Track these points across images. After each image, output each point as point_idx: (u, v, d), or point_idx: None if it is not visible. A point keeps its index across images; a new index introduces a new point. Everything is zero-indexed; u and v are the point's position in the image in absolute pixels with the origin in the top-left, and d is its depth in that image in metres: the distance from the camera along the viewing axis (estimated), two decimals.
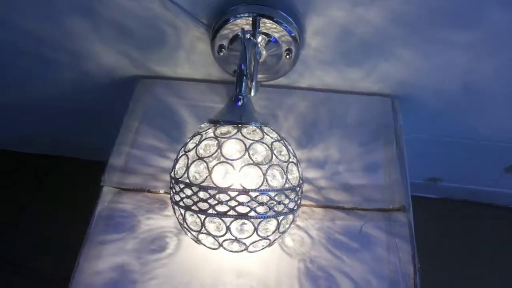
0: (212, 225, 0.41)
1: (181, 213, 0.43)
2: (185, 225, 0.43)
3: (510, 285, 0.82)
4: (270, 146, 0.42)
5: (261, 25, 0.55)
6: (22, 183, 0.97)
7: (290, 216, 0.44)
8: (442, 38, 0.57)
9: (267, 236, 0.42)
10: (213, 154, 0.41)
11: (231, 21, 0.55)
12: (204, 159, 0.41)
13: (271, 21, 0.55)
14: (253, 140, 0.42)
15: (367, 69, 0.63)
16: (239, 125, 0.43)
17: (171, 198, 0.44)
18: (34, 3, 0.60)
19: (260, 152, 0.42)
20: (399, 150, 0.58)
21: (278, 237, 0.45)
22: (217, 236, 0.41)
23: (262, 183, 0.40)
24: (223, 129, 0.43)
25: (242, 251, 0.42)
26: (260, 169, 0.40)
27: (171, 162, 0.57)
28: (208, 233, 0.41)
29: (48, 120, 0.87)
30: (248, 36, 0.50)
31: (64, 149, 1.00)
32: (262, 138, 0.42)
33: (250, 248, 0.43)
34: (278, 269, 0.49)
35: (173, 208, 0.45)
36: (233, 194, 0.39)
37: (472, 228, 0.87)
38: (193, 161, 0.41)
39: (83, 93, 0.74)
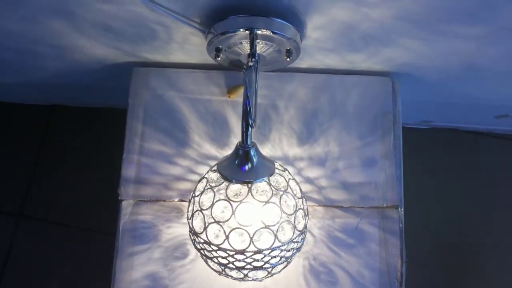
0: (232, 272, 0.47)
1: (202, 257, 0.49)
2: (207, 264, 0.49)
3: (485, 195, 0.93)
4: (279, 204, 0.46)
5: (259, 34, 0.52)
6: None
7: (282, 265, 0.49)
8: (449, 31, 0.54)
9: (278, 271, 0.49)
10: (228, 219, 0.45)
11: (227, 34, 0.51)
12: (220, 223, 0.45)
13: (269, 32, 0.51)
14: (263, 202, 0.45)
15: (369, 53, 0.60)
16: (249, 185, 0.46)
17: (193, 242, 0.50)
18: (9, 6, 0.54)
19: (270, 211, 0.46)
20: (396, 142, 0.61)
21: (269, 276, 0.51)
22: (237, 278, 0.48)
23: (274, 242, 0.45)
24: (234, 188, 0.46)
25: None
26: (271, 230, 0.45)
27: (180, 168, 0.60)
28: (228, 275, 0.48)
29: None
30: (253, 67, 0.48)
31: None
32: (270, 198, 0.46)
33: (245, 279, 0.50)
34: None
35: (194, 247, 0.51)
36: (249, 254, 0.45)
37: (459, 153, 0.95)
38: (210, 223, 0.45)
39: (77, 74, 0.71)
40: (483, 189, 0.93)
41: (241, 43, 0.53)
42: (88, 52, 0.63)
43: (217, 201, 0.46)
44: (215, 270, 0.50)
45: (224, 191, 0.46)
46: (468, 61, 0.60)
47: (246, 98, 0.47)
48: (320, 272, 0.57)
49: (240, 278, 0.48)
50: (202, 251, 0.48)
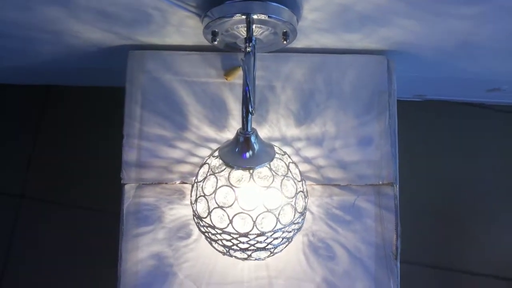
0: (236, 253, 0.50)
1: (207, 239, 0.51)
2: (211, 245, 0.51)
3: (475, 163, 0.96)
4: (280, 188, 0.47)
5: (255, 19, 0.52)
6: None
7: (283, 245, 0.51)
8: (445, 11, 0.54)
9: (280, 251, 0.51)
10: (231, 204, 0.46)
11: (224, 19, 0.51)
12: (224, 208, 0.47)
13: (266, 16, 0.51)
14: (264, 186, 0.46)
15: (365, 33, 0.61)
16: (251, 171, 0.47)
17: (197, 225, 0.52)
18: None
19: (272, 195, 0.47)
20: (391, 121, 0.62)
21: (272, 255, 0.53)
22: (240, 258, 0.50)
23: (276, 224, 0.47)
24: (236, 174, 0.47)
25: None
26: (273, 214, 0.47)
27: (180, 151, 0.62)
28: (232, 256, 0.50)
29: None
30: (250, 55, 0.49)
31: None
32: (272, 182, 0.47)
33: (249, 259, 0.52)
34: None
35: (198, 229, 0.53)
36: (252, 236, 0.47)
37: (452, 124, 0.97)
38: (214, 208, 0.47)
39: (73, 58, 0.71)
40: (473, 158, 0.95)
41: (237, 27, 0.53)
42: (83, 37, 0.63)
43: (220, 187, 0.47)
44: (219, 251, 0.52)
45: (227, 177, 0.47)
46: (463, 39, 0.61)
47: (246, 85, 0.48)
48: (319, 248, 0.60)
49: (243, 258, 0.50)
50: (206, 233, 0.50)
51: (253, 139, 0.48)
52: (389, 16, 0.56)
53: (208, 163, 0.50)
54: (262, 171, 0.48)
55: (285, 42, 0.56)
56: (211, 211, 0.47)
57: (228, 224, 0.47)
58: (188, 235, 0.60)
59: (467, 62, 0.68)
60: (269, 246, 0.48)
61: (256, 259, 0.51)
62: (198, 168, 0.52)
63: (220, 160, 0.49)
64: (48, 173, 0.96)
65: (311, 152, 0.62)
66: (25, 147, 0.96)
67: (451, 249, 0.92)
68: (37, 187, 0.95)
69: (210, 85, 0.63)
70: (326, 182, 0.61)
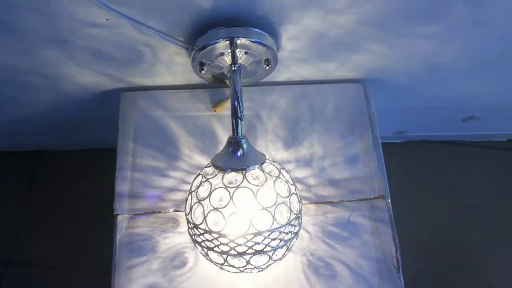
0: (234, 260, 0.48)
1: (203, 251, 0.49)
2: (208, 259, 0.50)
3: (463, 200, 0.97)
4: (274, 187, 0.48)
5: (238, 43, 0.57)
6: None
7: (283, 249, 0.51)
8: (409, 32, 0.60)
9: (279, 258, 0.50)
10: (226, 205, 0.46)
11: (209, 47, 0.56)
12: (219, 210, 0.47)
13: (248, 40, 0.56)
14: (258, 185, 0.47)
15: (340, 61, 0.66)
16: (243, 172, 0.48)
17: (191, 237, 0.51)
18: (3, 39, 0.58)
19: (266, 195, 0.48)
20: (374, 139, 0.65)
21: (287, 253, 0.52)
22: (239, 267, 0.49)
23: (272, 223, 0.47)
24: (230, 176, 0.48)
25: (258, 271, 0.51)
26: (269, 212, 0.47)
27: (173, 180, 0.62)
28: (230, 265, 0.49)
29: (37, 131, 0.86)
30: (237, 71, 0.53)
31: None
32: (265, 181, 0.48)
33: (245, 271, 0.51)
34: (286, 265, 0.58)
35: (195, 244, 0.52)
36: (249, 237, 0.46)
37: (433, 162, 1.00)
38: (209, 211, 0.47)
39: (65, 107, 0.74)
40: (461, 194, 0.97)
41: (222, 54, 0.58)
42: (78, 81, 0.67)
43: (214, 189, 0.48)
44: (216, 264, 0.50)
45: (220, 180, 0.48)
46: (430, 61, 0.67)
47: (234, 98, 0.51)
48: (319, 267, 0.58)
49: (242, 267, 0.49)
50: (203, 243, 0.49)
51: (243, 142, 0.50)
52: (359, 41, 0.62)
53: (201, 173, 0.51)
54: (254, 172, 0.49)
55: (267, 67, 0.61)
56: (207, 215, 0.47)
57: (224, 226, 0.46)
58: (184, 263, 0.58)
59: (437, 86, 0.73)
60: (267, 249, 0.47)
61: (254, 267, 0.49)
62: (192, 181, 0.53)
63: (213, 167, 0.50)
64: (38, 238, 0.93)
65: (301, 173, 0.63)
66: (14, 214, 0.95)
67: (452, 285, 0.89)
68: (25, 252, 0.92)
69: (199, 118, 0.66)
70: (318, 200, 0.62)
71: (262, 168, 0.49)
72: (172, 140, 0.64)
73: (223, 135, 0.65)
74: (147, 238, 0.59)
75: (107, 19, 0.55)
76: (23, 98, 0.71)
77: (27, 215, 0.95)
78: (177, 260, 0.58)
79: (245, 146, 0.49)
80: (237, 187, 0.47)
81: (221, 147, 0.64)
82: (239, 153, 0.49)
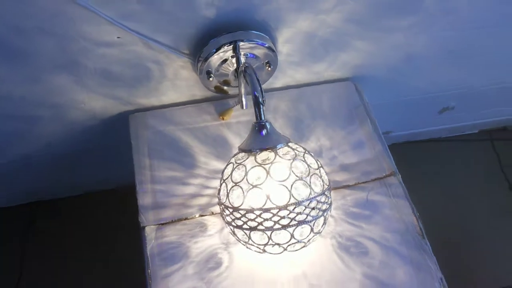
0: (278, 236, 0.50)
1: (245, 235, 0.51)
2: (250, 243, 0.51)
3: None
4: (305, 160, 0.51)
5: (241, 47, 0.62)
6: None
7: (321, 219, 0.53)
8: (386, 26, 0.68)
9: (319, 230, 0.52)
10: (265, 180, 0.49)
11: (214, 54, 0.61)
12: (259, 186, 0.49)
13: (250, 42, 0.61)
14: (290, 159, 0.50)
15: (329, 61, 0.72)
16: (274, 149, 0.51)
17: (230, 225, 0.52)
18: (15, 68, 0.59)
19: (299, 167, 0.51)
20: (373, 125, 0.70)
21: (313, 237, 0.54)
22: (283, 245, 0.50)
23: (310, 193, 0.49)
24: (262, 155, 0.51)
25: (301, 247, 0.52)
26: (305, 182, 0.49)
27: (193, 187, 0.63)
28: (274, 244, 0.50)
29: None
30: (249, 66, 0.57)
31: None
32: (296, 156, 0.51)
33: (289, 249, 0.52)
34: (318, 250, 0.59)
35: (233, 233, 0.52)
36: (291, 208, 0.48)
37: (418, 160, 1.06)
38: (249, 190, 0.49)
39: (69, 139, 0.75)
40: (445, 184, 1.03)
41: (226, 61, 0.63)
42: (86, 107, 0.68)
43: (249, 170, 0.50)
44: (259, 247, 0.51)
45: (254, 160, 0.51)
46: (406, 52, 0.75)
47: (254, 90, 0.55)
48: (349, 246, 0.60)
49: (286, 243, 0.50)
50: (245, 225, 0.50)
51: (268, 124, 0.53)
52: (345, 38, 0.69)
53: (231, 162, 0.53)
54: (283, 149, 0.52)
55: (269, 69, 0.66)
56: (246, 194, 0.49)
57: (266, 201, 0.48)
58: (219, 264, 0.58)
59: (414, 77, 0.81)
60: (309, 218, 0.49)
61: (298, 242, 0.50)
62: (221, 172, 0.55)
63: (242, 153, 0.52)
64: None
65: None
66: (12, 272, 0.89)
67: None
68: None
69: (209, 128, 0.69)
70: (336, 186, 0.65)
71: (289, 146, 0.52)
72: (186, 151, 0.66)
73: (235, 140, 0.68)
74: (178, 245, 0.59)
75: (118, 37, 0.59)
76: (27, 133, 0.71)
77: (25, 272, 0.90)
78: (211, 262, 0.58)
79: (269, 127, 0.53)
80: (272, 162, 0.49)
81: (235, 151, 0.66)
82: (264, 132, 0.52)
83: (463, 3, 0.66)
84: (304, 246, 0.53)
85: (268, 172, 0.49)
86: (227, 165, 0.54)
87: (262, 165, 0.49)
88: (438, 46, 0.75)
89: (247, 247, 0.54)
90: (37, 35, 0.56)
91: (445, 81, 0.84)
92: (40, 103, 0.65)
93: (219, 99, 0.72)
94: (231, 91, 0.70)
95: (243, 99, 0.64)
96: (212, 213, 0.62)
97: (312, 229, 0.51)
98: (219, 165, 0.65)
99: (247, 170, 0.50)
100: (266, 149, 0.51)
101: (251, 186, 0.49)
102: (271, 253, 0.52)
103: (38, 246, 0.92)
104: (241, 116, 0.70)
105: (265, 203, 0.48)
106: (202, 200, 0.62)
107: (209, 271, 0.57)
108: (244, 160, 0.51)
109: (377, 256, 0.59)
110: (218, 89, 0.69)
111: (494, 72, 0.85)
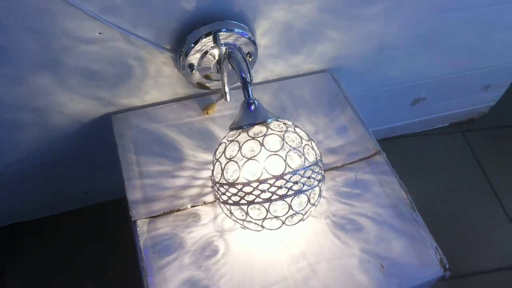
0: (276, 207, 0.49)
1: (242, 211, 0.50)
2: (248, 221, 0.51)
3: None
4: (296, 132, 0.52)
5: (221, 37, 0.63)
6: None
7: (317, 189, 0.53)
8: (357, 14, 0.71)
9: (316, 201, 0.52)
10: (259, 152, 0.49)
11: (195, 44, 0.62)
12: (253, 158, 0.49)
13: (230, 32, 0.63)
14: (282, 131, 0.51)
15: (306, 53, 0.75)
16: (265, 123, 0.52)
17: (225, 204, 0.51)
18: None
19: (292, 138, 0.51)
20: (354, 111, 0.72)
21: (310, 208, 0.54)
22: (281, 218, 0.50)
23: (304, 162, 0.50)
24: (254, 130, 0.51)
25: (299, 221, 0.52)
26: (299, 151, 0.50)
27: (183, 179, 0.63)
28: (273, 217, 0.50)
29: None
30: (232, 49, 0.58)
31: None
32: (288, 128, 0.52)
33: (287, 222, 0.52)
34: (313, 230, 0.59)
35: (230, 212, 0.52)
36: (287, 177, 0.48)
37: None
38: (244, 163, 0.49)
39: (51, 146, 0.73)
40: (426, 176, 1.05)
41: (207, 52, 0.64)
42: (67, 110, 0.67)
43: (244, 142, 0.50)
44: (257, 222, 0.51)
45: (246, 135, 0.51)
46: (378, 42, 0.78)
47: (242, 67, 0.56)
48: (344, 224, 0.60)
49: (284, 215, 0.50)
50: (242, 200, 0.49)
51: (256, 102, 0.54)
52: (320, 28, 0.71)
53: (223, 141, 0.53)
54: (274, 123, 0.52)
55: (250, 59, 0.67)
56: (242, 167, 0.49)
57: (261, 172, 0.48)
58: (215, 251, 0.57)
59: (386, 67, 0.84)
60: (305, 188, 0.50)
61: (296, 214, 0.50)
62: (213, 152, 0.55)
63: (234, 131, 0.53)
64: None
65: None
66: None
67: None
68: None
69: (194, 123, 0.69)
70: (324, 168, 0.65)
71: (279, 120, 0.53)
72: (173, 145, 0.66)
73: (221, 133, 0.68)
74: (172, 236, 0.58)
75: (99, 33, 0.59)
76: (8, 140, 0.69)
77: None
78: (207, 250, 0.57)
79: (257, 103, 0.53)
80: (264, 135, 0.50)
81: None
82: (253, 108, 0.52)
83: None
84: (301, 220, 0.52)
85: (262, 144, 0.49)
86: (219, 145, 0.54)
87: (255, 138, 0.50)
88: (408, 34, 0.79)
89: (245, 227, 0.53)
90: (18, 31, 0.55)
91: (415, 70, 0.88)
92: (21, 107, 0.64)
93: (202, 96, 0.73)
94: (214, 86, 0.71)
95: (226, 89, 0.65)
96: (205, 203, 0.61)
97: (309, 200, 0.51)
98: (207, 156, 0.65)
99: (240, 145, 0.50)
100: (257, 124, 0.51)
101: (246, 159, 0.49)
102: (269, 229, 0.52)
103: (17, 274, 0.87)
104: (225, 110, 0.71)
105: (261, 175, 0.48)
106: (193, 191, 0.62)
107: (206, 259, 0.56)
108: (237, 137, 0.52)
109: (372, 231, 0.60)
110: (200, 85, 0.70)
111: (458, 59, 0.90)
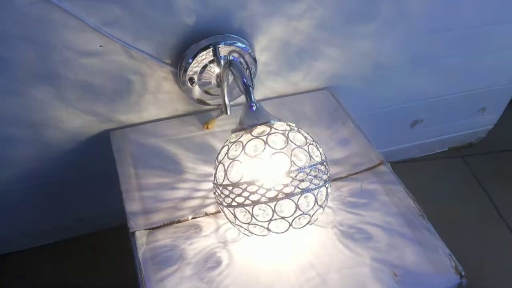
0: (282, 207, 0.47)
1: (248, 213, 0.48)
2: (253, 223, 0.48)
3: None
4: (300, 131, 0.51)
5: (220, 51, 0.63)
6: None
7: (323, 190, 0.52)
8: (353, 32, 0.73)
9: (323, 202, 0.50)
10: (263, 150, 0.47)
11: (195, 57, 0.62)
12: (258, 157, 0.47)
13: (229, 46, 0.63)
14: (286, 130, 0.50)
15: (305, 70, 0.75)
16: (268, 124, 0.51)
17: (229, 207, 0.49)
18: None
19: (296, 137, 0.50)
20: (354, 124, 0.72)
21: (317, 210, 0.52)
22: (288, 219, 0.47)
23: (310, 159, 0.48)
24: (258, 129, 0.50)
25: (307, 223, 0.50)
26: (304, 149, 0.49)
27: (183, 191, 0.61)
28: (279, 218, 0.47)
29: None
30: (234, 58, 0.58)
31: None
32: (291, 128, 0.51)
33: (294, 224, 0.50)
34: (321, 240, 0.57)
35: (234, 216, 0.50)
36: (293, 174, 0.47)
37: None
38: (248, 162, 0.47)
39: (47, 166, 0.71)
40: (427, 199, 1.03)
41: (206, 66, 0.64)
42: (64, 126, 0.66)
43: (247, 142, 0.49)
44: (263, 225, 0.48)
45: (250, 135, 0.50)
46: (373, 61, 0.79)
47: (243, 73, 0.56)
48: (352, 233, 0.58)
49: (291, 216, 0.48)
50: (246, 201, 0.47)
51: (258, 104, 0.53)
52: (317, 45, 0.72)
53: (226, 144, 0.52)
54: (278, 123, 0.51)
55: (249, 73, 0.67)
56: (246, 167, 0.47)
57: (267, 170, 0.47)
58: (218, 262, 0.54)
59: (383, 87, 0.85)
60: (312, 186, 0.48)
61: (303, 214, 0.48)
62: (216, 156, 0.53)
63: (236, 133, 0.52)
64: None
65: None
66: None
67: None
68: None
69: (194, 138, 0.68)
70: None
71: (280, 120, 0.52)
72: (172, 158, 0.64)
73: None
74: (172, 248, 0.55)
75: (100, 46, 0.59)
76: (2, 157, 0.66)
77: None
78: (210, 262, 0.54)
79: (259, 105, 0.53)
80: (268, 134, 0.49)
81: None
82: (254, 108, 0.52)
83: (417, 5, 0.73)
84: (309, 223, 0.50)
85: (266, 142, 0.48)
86: (222, 148, 0.53)
87: (259, 137, 0.48)
88: (400, 54, 0.80)
89: (250, 233, 0.51)
90: (19, 41, 0.55)
91: (411, 90, 0.88)
92: (18, 121, 0.63)
93: (202, 112, 0.72)
94: (214, 102, 0.71)
95: (227, 101, 0.64)
96: (206, 214, 0.58)
97: (316, 201, 0.49)
98: (208, 169, 0.63)
99: (244, 145, 0.49)
100: (260, 124, 0.50)
101: (250, 157, 0.47)
102: (276, 232, 0.49)
103: None
104: (225, 125, 0.70)
105: (267, 173, 0.47)
106: (194, 202, 0.59)
107: (208, 271, 0.53)
108: (240, 138, 0.50)
109: (382, 240, 0.57)
110: (200, 101, 0.70)
111: (452, 80, 0.91)
